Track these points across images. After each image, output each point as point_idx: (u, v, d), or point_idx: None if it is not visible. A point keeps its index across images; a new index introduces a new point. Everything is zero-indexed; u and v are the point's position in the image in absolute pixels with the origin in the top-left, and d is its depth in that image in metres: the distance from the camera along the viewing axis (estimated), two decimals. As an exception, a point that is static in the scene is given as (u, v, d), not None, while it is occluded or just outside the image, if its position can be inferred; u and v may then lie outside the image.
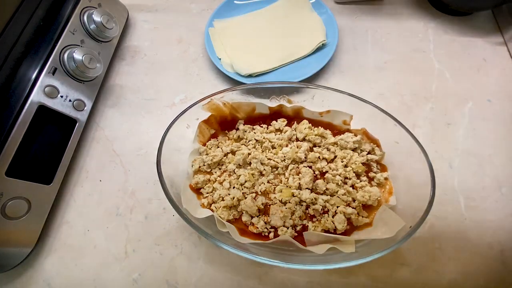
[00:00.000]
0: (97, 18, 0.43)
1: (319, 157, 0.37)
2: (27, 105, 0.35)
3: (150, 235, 0.39)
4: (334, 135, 0.38)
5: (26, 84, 0.36)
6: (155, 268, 0.37)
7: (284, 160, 0.37)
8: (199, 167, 0.38)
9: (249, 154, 0.37)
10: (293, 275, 0.36)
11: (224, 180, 0.37)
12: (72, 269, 0.37)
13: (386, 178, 0.36)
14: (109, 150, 0.44)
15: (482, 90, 0.45)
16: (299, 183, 0.35)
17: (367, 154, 0.37)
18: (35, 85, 0.36)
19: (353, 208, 0.34)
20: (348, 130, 0.38)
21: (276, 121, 0.40)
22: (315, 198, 0.34)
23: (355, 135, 0.37)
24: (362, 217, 0.34)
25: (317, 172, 0.36)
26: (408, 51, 0.49)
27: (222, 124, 0.41)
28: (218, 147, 0.39)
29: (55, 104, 0.38)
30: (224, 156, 0.38)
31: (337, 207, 0.34)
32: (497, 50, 0.48)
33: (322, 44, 0.48)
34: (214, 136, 0.41)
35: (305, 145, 0.37)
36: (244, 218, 0.35)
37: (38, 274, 0.37)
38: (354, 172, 0.36)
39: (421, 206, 0.29)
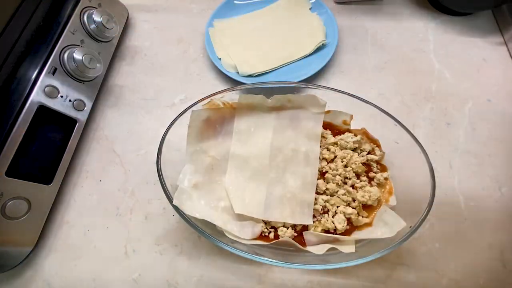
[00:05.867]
0: (97, 18, 0.43)
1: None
2: (27, 105, 0.35)
3: (150, 235, 0.39)
4: (334, 135, 0.38)
5: (26, 84, 0.36)
6: (155, 268, 0.37)
7: (284, 160, 0.37)
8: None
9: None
10: (293, 275, 0.36)
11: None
12: (72, 269, 0.37)
13: (386, 178, 0.36)
14: (109, 150, 0.44)
15: (482, 90, 0.45)
16: (299, 183, 0.35)
17: (367, 154, 0.37)
18: (35, 85, 0.36)
19: (353, 208, 0.34)
20: (348, 130, 0.38)
21: (276, 121, 0.40)
22: (315, 198, 0.34)
23: (355, 135, 0.37)
24: (362, 217, 0.34)
25: (317, 172, 0.36)
26: (408, 51, 0.49)
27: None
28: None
29: (55, 104, 0.38)
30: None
31: (337, 207, 0.34)
32: (497, 50, 0.48)
33: (322, 44, 0.47)
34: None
35: (305, 145, 0.37)
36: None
37: (38, 274, 0.37)
38: (354, 172, 0.36)
39: (421, 206, 0.29)
